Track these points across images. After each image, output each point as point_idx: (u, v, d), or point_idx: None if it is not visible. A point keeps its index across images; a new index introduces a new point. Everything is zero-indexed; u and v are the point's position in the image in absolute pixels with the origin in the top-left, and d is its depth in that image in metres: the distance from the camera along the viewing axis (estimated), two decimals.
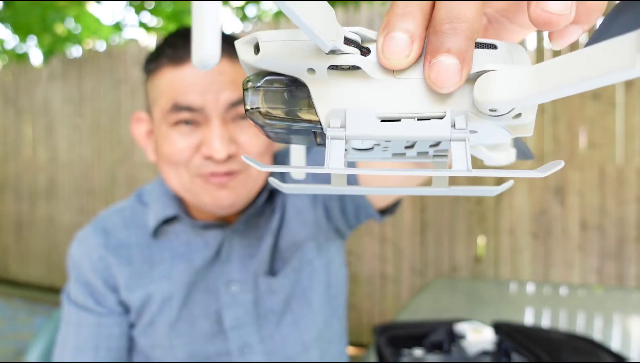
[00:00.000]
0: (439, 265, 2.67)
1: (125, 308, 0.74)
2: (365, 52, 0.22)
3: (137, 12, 4.51)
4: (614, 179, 2.29)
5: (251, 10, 4.77)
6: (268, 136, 0.26)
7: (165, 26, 4.60)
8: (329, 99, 0.22)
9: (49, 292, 4.26)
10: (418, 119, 0.22)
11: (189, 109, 0.61)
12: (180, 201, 0.74)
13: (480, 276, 2.54)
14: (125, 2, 4.55)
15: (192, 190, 0.66)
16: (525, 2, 0.21)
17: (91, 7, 4.80)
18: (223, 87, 0.61)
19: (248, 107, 0.23)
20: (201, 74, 0.60)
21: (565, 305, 1.28)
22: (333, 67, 0.22)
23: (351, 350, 2.94)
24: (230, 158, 0.63)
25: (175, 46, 0.62)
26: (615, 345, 0.95)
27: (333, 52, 0.21)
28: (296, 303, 0.75)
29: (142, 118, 0.72)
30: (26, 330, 3.39)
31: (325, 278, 0.78)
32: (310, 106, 0.22)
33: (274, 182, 0.27)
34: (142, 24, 4.62)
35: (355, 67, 0.22)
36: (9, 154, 4.45)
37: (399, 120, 0.22)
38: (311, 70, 0.22)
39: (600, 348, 0.77)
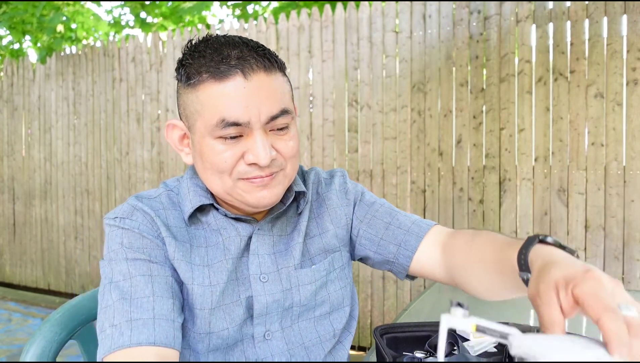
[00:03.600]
0: None
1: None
2: None
3: (133, 12, 4.49)
4: (619, 179, 2.25)
5: (250, 7, 4.75)
6: None
7: (163, 23, 4.58)
8: None
9: (44, 294, 4.23)
10: None
11: (236, 124, 0.68)
12: (211, 194, 0.80)
13: None
14: (121, 2, 4.54)
15: (235, 193, 0.74)
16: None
17: (88, 4, 4.79)
18: (263, 101, 0.69)
19: None
20: (243, 89, 0.67)
21: None
22: None
23: (352, 353, 2.90)
24: (271, 161, 0.71)
25: (215, 60, 0.68)
26: None
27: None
28: (319, 303, 0.83)
29: (176, 125, 0.78)
30: (21, 333, 3.35)
31: (349, 291, 0.87)
32: None
33: None
34: (138, 21, 4.60)
35: None
36: (4, 154, 4.43)
37: None
38: None
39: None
